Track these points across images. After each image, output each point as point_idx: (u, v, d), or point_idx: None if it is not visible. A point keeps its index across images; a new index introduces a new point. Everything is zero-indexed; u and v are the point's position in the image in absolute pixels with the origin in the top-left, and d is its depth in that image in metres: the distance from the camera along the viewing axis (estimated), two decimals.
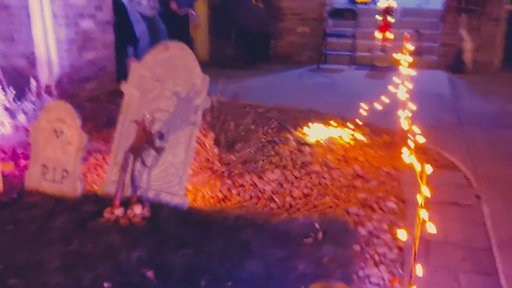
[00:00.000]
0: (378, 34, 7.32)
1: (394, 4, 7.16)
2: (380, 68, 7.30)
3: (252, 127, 4.09)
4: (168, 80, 2.88)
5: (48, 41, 4.40)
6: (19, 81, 4.15)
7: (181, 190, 2.77)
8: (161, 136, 2.83)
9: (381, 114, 4.13)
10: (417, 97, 4.70)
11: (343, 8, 8.05)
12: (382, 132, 4.03)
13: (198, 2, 7.49)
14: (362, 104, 4.14)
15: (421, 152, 3.56)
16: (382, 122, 4.17)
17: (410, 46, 3.94)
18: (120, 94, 5.19)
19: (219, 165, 3.13)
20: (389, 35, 7.26)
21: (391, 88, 3.96)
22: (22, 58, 4.58)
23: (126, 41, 5.42)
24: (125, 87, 2.97)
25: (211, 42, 7.83)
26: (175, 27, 6.23)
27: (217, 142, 3.29)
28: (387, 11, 7.13)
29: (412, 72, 3.91)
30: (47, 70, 4.42)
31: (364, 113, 4.09)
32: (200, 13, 7.61)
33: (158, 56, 2.93)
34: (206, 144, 3.19)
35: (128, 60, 5.51)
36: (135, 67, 2.97)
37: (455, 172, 3.32)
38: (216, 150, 3.17)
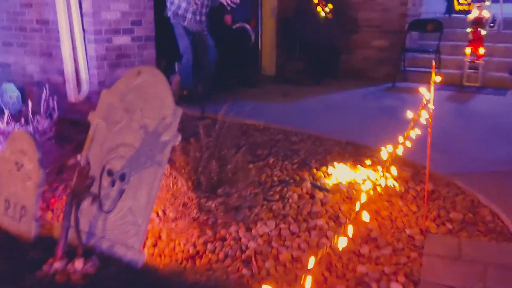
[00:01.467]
0: (467, 50, 6.28)
1: (486, 15, 6.08)
2: (469, 89, 6.25)
3: (271, 160, 3.55)
4: (137, 110, 2.48)
5: (77, 58, 4.27)
6: (55, 97, 4.09)
7: (137, 243, 2.33)
8: (122, 176, 2.43)
9: (441, 152, 3.37)
10: (504, 130, 3.82)
11: (427, 19, 7.08)
12: (429, 178, 3.23)
13: (264, 15, 7.10)
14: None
15: (468, 208, 2.75)
16: (437, 164, 3.37)
17: None
18: None
19: (198, 210, 2.64)
20: (481, 50, 6.19)
21: (474, 116, 3.16)
22: (58, 74, 4.51)
23: (169, 57, 5.18)
24: (91, 117, 2.63)
25: (278, 56, 7.37)
26: (229, 42, 5.86)
27: (207, 180, 2.80)
28: (478, 22, 6.07)
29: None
30: (74, 87, 4.29)
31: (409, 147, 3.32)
32: (267, 26, 7.23)
33: (129, 83, 2.54)
34: (183, 185, 2.72)
35: (171, 76, 5.26)
36: (104, 95, 2.61)
37: None
38: (191, 193, 2.69)
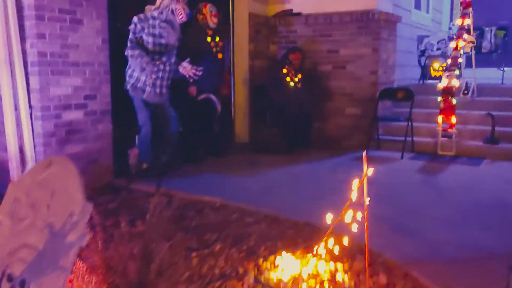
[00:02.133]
0: (439, 118, 6.16)
1: (456, 84, 6.01)
2: (443, 158, 6.07)
3: (218, 247, 3.26)
4: (43, 206, 2.23)
5: (22, 135, 4.06)
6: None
7: None
8: (22, 283, 2.13)
9: (402, 235, 3.10)
10: (476, 207, 3.58)
11: (397, 87, 7.03)
12: (382, 268, 2.94)
13: (236, 83, 7.04)
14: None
15: None
16: (396, 250, 3.10)
17: None
18: (116, 189, 4.77)
19: None
20: (453, 119, 6.06)
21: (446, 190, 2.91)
22: (3, 150, 4.29)
23: (127, 130, 5.01)
24: None
25: (252, 124, 7.23)
26: (196, 112, 5.72)
27: None
28: (448, 91, 5.99)
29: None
30: (18, 166, 4.05)
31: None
32: (240, 94, 7.15)
33: (37, 175, 2.30)
34: None
35: (129, 150, 5.05)
36: (10, 188, 2.36)
37: None
38: None
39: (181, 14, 4.70)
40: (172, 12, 4.68)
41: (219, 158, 6.08)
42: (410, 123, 6.32)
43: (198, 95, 5.67)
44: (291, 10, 7.13)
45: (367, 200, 2.21)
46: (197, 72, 4.98)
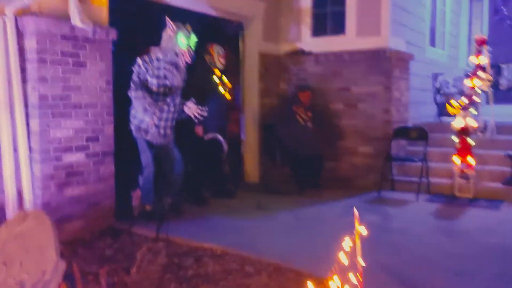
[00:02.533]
0: (456, 159, 5.91)
1: (472, 123, 5.79)
2: (460, 201, 5.79)
3: None
4: (16, 263, 2.10)
5: (21, 177, 4.00)
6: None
7: None
8: None
9: None
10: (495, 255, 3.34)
11: (410, 126, 6.83)
12: None
13: (247, 120, 6.96)
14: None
15: None
16: None
17: None
18: (116, 233, 4.63)
19: None
20: (471, 160, 5.82)
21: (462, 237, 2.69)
22: (2, 193, 4.22)
23: (131, 171, 4.92)
24: None
25: (262, 163, 7.10)
26: (203, 152, 5.62)
27: None
28: (464, 132, 5.77)
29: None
30: (15, 209, 3.97)
31: None
32: (250, 132, 7.06)
33: (12, 229, 2.19)
34: None
35: (132, 192, 4.94)
36: None
37: None
38: None
39: (185, 56, 4.66)
40: (176, 54, 4.65)
41: (227, 199, 5.93)
42: (425, 163, 6.09)
43: (205, 135, 5.57)
44: (302, 49, 7.08)
45: (361, 261, 2.02)
46: (202, 112, 4.89)
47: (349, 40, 6.76)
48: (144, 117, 4.67)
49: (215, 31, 7.00)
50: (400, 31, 6.94)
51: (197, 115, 4.90)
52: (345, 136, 6.82)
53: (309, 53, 7.02)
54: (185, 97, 4.98)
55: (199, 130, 5.54)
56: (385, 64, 6.48)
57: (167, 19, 4.64)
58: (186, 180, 5.41)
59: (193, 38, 4.74)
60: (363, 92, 6.68)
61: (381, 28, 6.56)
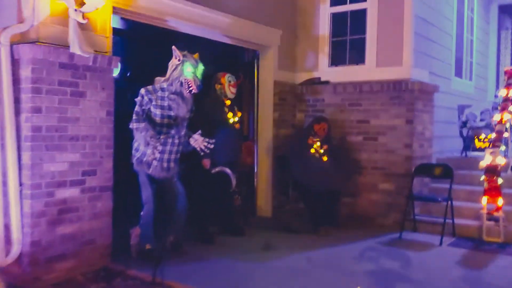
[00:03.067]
0: (483, 200, 5.45)
1: (501, 161, 5.33)
2: (488, 246, 5.30)
3: None
4: None
5: (9, 214, 3.75)
6: None
7: None
8: None
9: None
10: None
11: (434, 163, 6.39)
12: None
13: (260, 152, 6.64)
14: None
15: None
16: None
17: None
18: (110, 275, 4.31)
19: None
20: (500, 201, 5.34)
21: None
22: None
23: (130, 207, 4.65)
24: None
25: (275, 197, 6.74)
26: (210, 187, 5.31)
27: None
28: (492, 170, 5.32)
29: None
30: (2, 248, 3.72)
31: None
32: (263, 163, 6.74)
33: None
34: None
35: (131, 230, 4.65)
36: None
37: None
38: None
39: (191, 86, 4.40)
40: (181, 83, 4.39)
41: (235, 237, 5.58)
42: (450, 203, 5.63)
43: (212, 168, 5.27)
44: (319, 78, 6.79)
45: None
46: (208, 145, 4.61)
47: (369, 70, 6.43)
48: (146, 150, 4.40)
49: (229, 58, 6.79)
50: (424, 61, 6.58)
51: (203, 147, 4.62)
52: (364, 171, 6.43)
53: (326, 83, 6.71)
54: (193, 128, 4.71)
55: (206, 163, 5.24)
56: (407, 96, 6.11)
57: (174, 48, 4.41)
58: (192, 216, 5.10)
59: (200, 67, 4.50)
60: (383, 125, 6.30)
61: (403, 58, 6.22)
